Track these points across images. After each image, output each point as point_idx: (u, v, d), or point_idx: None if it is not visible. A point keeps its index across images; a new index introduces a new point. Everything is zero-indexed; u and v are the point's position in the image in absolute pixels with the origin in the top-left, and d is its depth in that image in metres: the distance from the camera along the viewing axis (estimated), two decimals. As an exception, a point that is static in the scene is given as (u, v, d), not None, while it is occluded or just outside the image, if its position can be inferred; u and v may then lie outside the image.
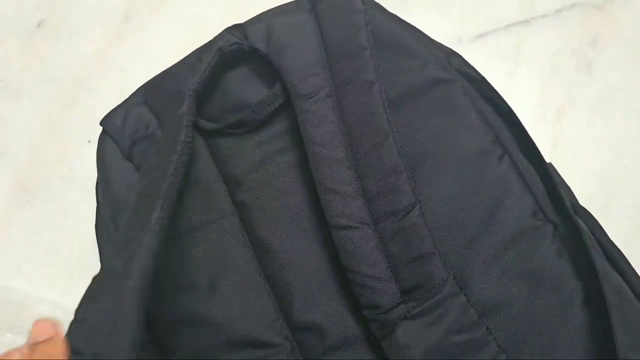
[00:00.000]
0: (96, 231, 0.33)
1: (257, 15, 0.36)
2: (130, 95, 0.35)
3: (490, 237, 0.29)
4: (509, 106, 0.33)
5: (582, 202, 0.38)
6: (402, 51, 0.33)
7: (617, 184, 0.38)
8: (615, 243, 0.37)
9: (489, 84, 0.34)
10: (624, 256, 0.31)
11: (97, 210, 0.33)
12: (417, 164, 0.30)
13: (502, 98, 0.33)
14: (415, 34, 0.34)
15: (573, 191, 0.38)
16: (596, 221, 0.32)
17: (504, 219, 0.29)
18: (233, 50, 0.34)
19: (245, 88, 0.35)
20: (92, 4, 0.43)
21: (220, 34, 0.35)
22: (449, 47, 0.41)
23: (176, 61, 0.39)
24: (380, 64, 0.32)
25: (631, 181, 0.38)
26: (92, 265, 0.33)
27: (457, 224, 0.29)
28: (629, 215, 0.37)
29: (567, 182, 0.38)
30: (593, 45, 0.41)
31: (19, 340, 0.37)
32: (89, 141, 0.41)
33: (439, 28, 0.42)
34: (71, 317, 0.23)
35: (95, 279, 0.25)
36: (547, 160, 0.39)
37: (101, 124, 0.34)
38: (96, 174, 0.34)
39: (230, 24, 0.43)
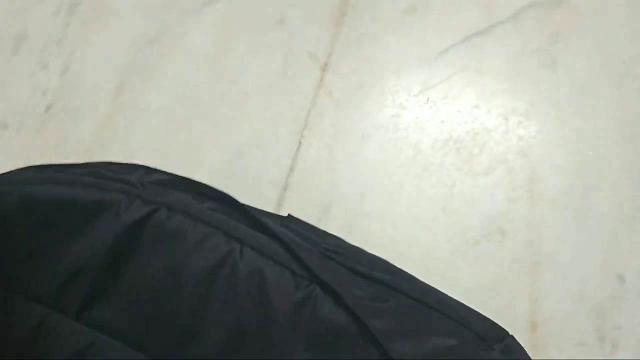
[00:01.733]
0: None
1: None
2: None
3: (274, 330, 0.29)
4: (219, 191, 0.33)
5: (561, 196, 0.39)
6: (89, 208, 0.31)
7: (594, 175, 0.39)
8: (597, 233, 0.38)
9: (187, 180, 0.33)
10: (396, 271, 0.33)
11: None
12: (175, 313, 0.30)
13: (207, 185, 0.33)
14: (82, 180, 0.33)
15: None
16: (359, 251, 0.33)
17: (277, 306, 0.29)
18: None
19: None
20: (89, 84, 0.48)
21: None
22: (412, 67, 0.43)
23: (170, 122, 0.43)
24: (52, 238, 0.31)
25: (607, 171, 0.39)
26: None
27: (242, 342, 0.29)
28: (609, 206, 0.38)
29: (543, 179, 0.40)
30: (555, 42, 0.42)
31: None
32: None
33: (401, 51, 0.44)
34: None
35: None
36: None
37: None
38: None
39: (215, 85, 0.47)
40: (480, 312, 0.32)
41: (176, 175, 0.34)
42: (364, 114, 0.43)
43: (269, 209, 0.41)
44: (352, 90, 0.44)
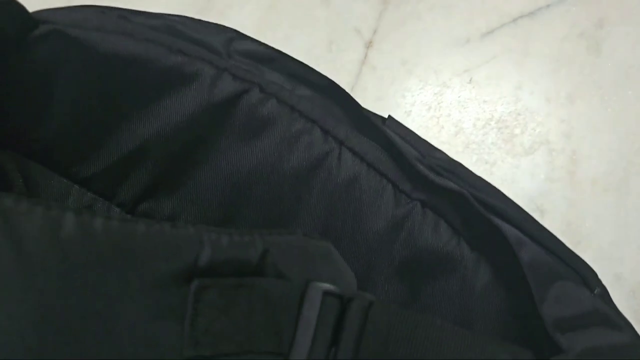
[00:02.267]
0: None
1: None
2: None
3: (364, 249, 0.26)
4: (327, 78, 0.28)
5: (601, 178, 0.40)
6: (165, 77, 0.25)
7: (634, 159, 0.40)
8: (637, 215, 0.39)
9: (294, 60, 0.28)
10: (510, 201, 0.28)
11: None
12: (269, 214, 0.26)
13: (315, 71, 0.28)
14: (157, 36, 0.25)
15: (597, 162, 0.39)
16: (469, 171, 0.28)
17: (369, 226, 0.26)
18: None
19: None
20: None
21: None
22: (458, 47, 0.44)
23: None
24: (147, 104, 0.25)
25: (649, 154, 0.39)
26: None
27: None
28: (649, 187, 0.39)
29: (585, 160, 0.40)
30: (600, 27, 0.43)
31: None
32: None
33: (447, 30, 0.45)
34: None
35: None
36: (562, 143, 0.41)
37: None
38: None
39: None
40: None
41: (271, 48, 0.28)
42: (407, 90, 0.44)
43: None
44: (395, 67, 0.45)
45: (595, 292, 0.26)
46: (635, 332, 0.26)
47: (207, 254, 0.15)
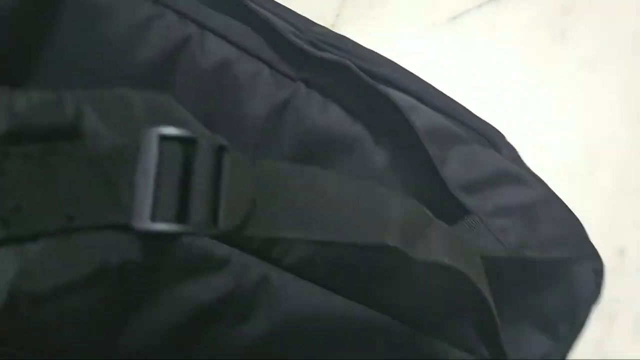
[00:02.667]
0: None
1: None
2: None
3: (247, 136, 0.24)
4: None
5: (566, 169, 0.39)
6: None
7: (600, 148, 0.39)
8: (600, 206, 0.38)
9: None
10: (405, 71, 0.27)
11: None
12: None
13: None
14: None
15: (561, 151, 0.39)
16: (356, 44, 0.27)
17: (249, 113, 0.23)
18: None
19: None
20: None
21: None
22: (423, 32, 0.42)
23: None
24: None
25: (613, 145, 0.39)
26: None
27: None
28: (613, 180, 0.39)
29: (549, 151, 0.40)
30: (567, 14, 0.42)
31: None
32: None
33: (412, 15, 0.43)
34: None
35: None
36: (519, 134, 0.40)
37: None
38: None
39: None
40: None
41: None
42: (371, 77, 0.42)
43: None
44: (359, 53, 0.43)
45: (503, 152, 0.25)
46: (548, 187, 0.26)
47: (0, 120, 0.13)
